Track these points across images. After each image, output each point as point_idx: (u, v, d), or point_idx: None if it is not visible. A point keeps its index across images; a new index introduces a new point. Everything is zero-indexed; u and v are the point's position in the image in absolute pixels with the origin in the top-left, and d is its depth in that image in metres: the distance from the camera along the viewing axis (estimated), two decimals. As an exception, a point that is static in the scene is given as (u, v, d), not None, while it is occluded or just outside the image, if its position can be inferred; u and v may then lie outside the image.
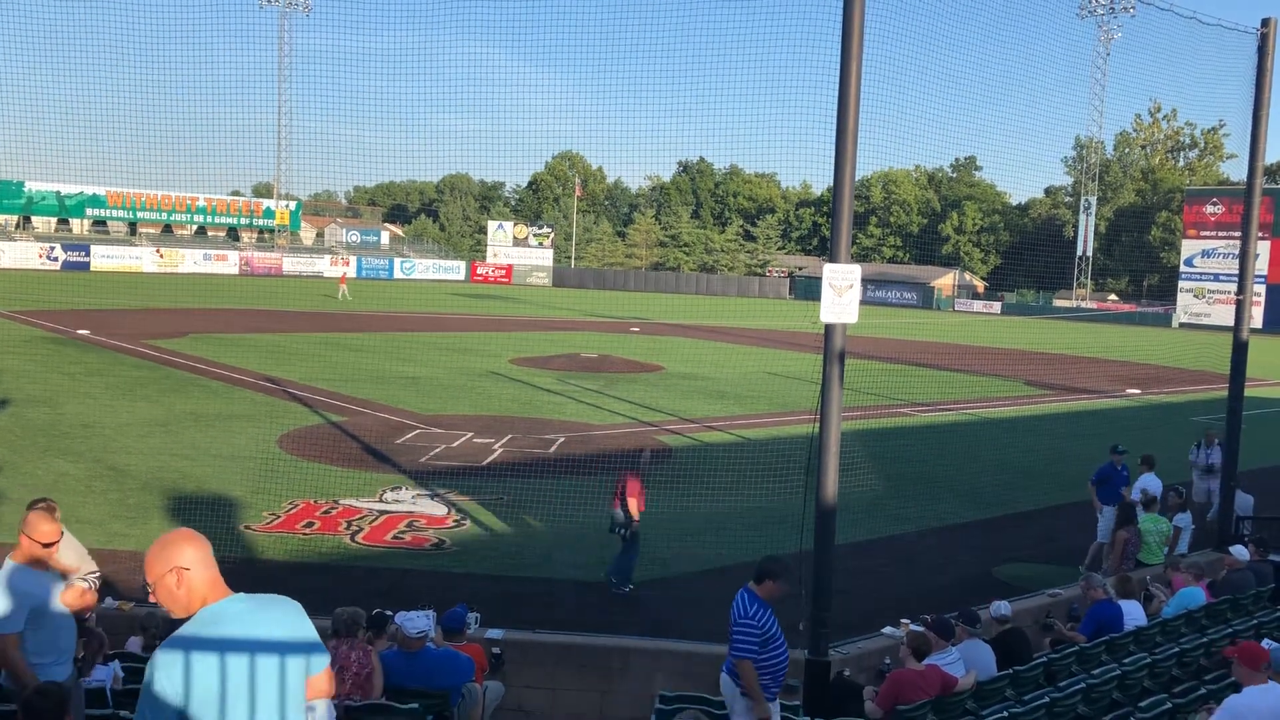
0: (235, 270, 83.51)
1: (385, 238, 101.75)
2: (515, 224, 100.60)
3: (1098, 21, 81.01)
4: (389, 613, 8.38)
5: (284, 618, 3.72)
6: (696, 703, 7.44)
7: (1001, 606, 9.40)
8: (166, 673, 3.43)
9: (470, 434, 20.99)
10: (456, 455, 19.09)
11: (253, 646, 3.54)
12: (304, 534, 13.89)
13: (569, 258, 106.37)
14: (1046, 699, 7.92)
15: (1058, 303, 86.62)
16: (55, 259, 75.80)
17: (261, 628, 3.60)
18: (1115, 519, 13.47)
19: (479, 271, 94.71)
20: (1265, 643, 8.25)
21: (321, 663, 3.86)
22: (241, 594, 3.70)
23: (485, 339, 41.56)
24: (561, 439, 20.97)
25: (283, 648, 3.61)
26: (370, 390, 26.35)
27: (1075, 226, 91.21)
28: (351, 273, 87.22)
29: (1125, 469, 14.81)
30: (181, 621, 3.57)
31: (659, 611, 11.69)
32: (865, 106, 8.78)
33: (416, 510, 15.18)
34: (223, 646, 3.48)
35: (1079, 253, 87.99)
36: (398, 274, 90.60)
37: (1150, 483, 14.40)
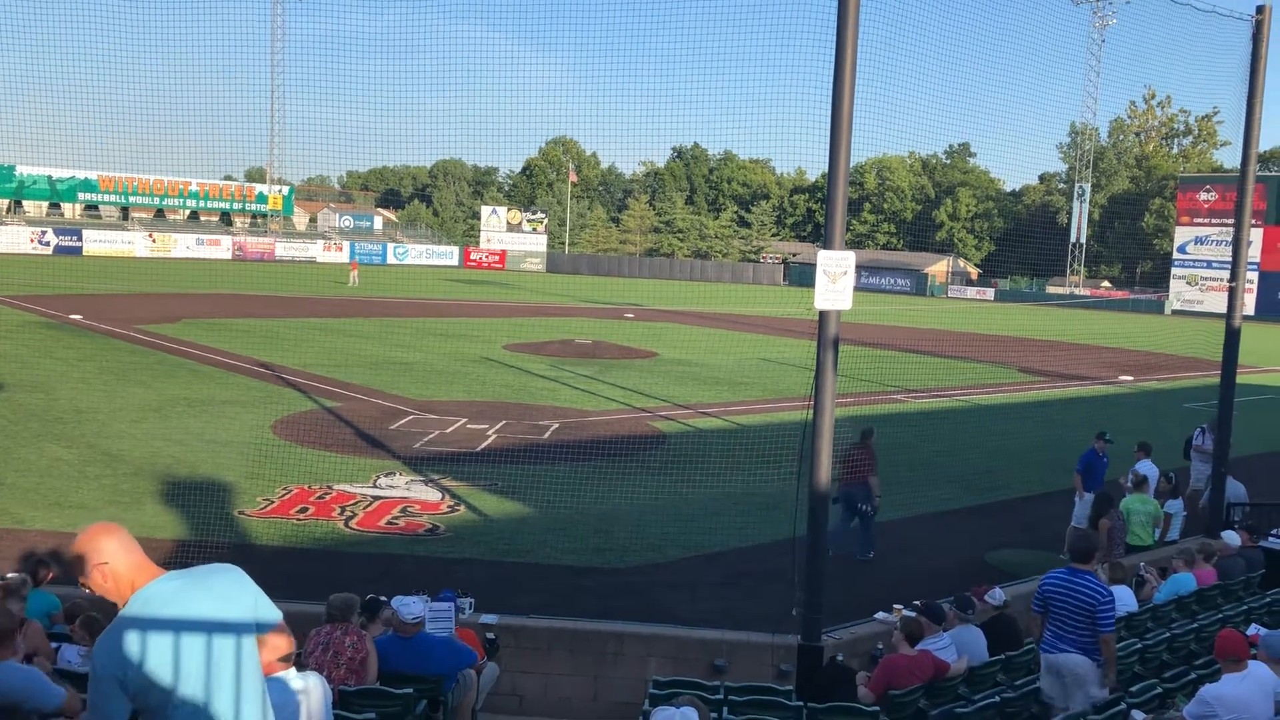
0: (228, 255, 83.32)
1: (378, 223, 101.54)
2: (509, 209, 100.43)
3: (1092, 7, 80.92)
4: (383, 598, 8.41)
5: (221, 587, 3.70)
6: (690, 688, 7.47)
7: (997, 594, 9.44)
8: (102, 660, 3.48)
9: (464, 420, 20.99)
10: (450, 441, 19.10)
11: (181, 624, 3.56)
12: (298, 519, 13.90)
13: (563, 243, 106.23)
14: (1038, 684, 7.98)
15: (1051, 289, 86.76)
16: (47, 243, 75.55)
17: (191, 604, 3.60)
18: (1093, 508, 13.50)
19: (472, 257, 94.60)
20: (1254, 628, 8.32)
21: (270, 620, 3.82)
22: (173, 572, 3.70)
23: (479, 324, 41.53)
24: (555, 425, 20.99)
25: (213, 620, 3.62)
26: (364, 376, 26.32)
27: (1069, 213, 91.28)
28: (345, 257, 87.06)
29: (1106, 457, 14.83)
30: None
31: (652, 596, 11.72)
32: (860, 92, 8.78)
33: (410, 496, 15.19)
34: (151, 627, 3.51)
35: (1072, 239, 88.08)
36: (391, 259, 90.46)
37: (1146, 470, 14.46)
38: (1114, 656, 7.73)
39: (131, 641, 3.48)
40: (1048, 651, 7.84)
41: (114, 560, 3.59)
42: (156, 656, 3.49)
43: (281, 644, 3.90)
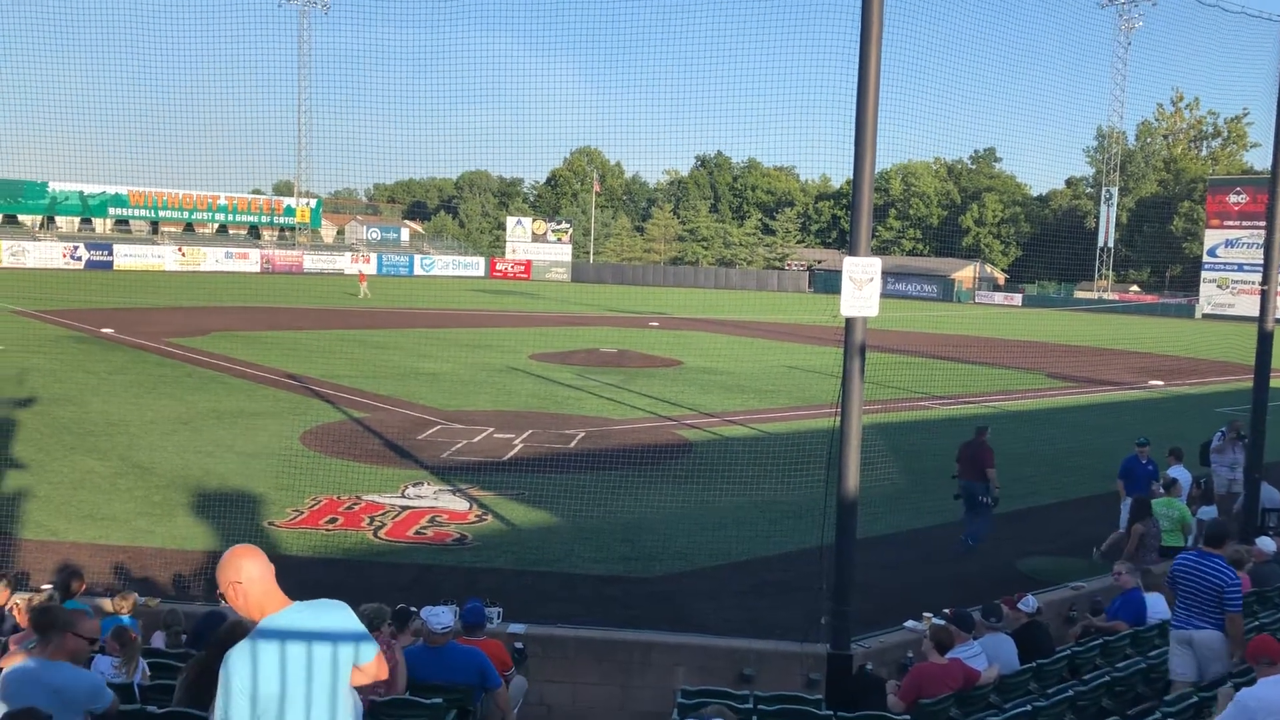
0: (257, 268, 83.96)
1: (405, 234, 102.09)
2: (534, 220, 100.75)
3: (1118, 10, 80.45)
4: (413, 608, 8.44)
5: (332, 621, 4.18)
6: (718, 698, 7.44)
7: (1030, 601, 9.37)
8: (228, 671, 4.00)
9: (491, 429, 21.05)
10: (477, 450, 19.15)
11: (295, 651, 4.06)
12: (327, 530, 13.97)
13: (587, 253, 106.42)
14: (1070, 692, 7.89)
15: (1079, 294, 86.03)
16: (79, 258, 76.41)
17: (307, 636, 4.09)
18: (1131, 512, 13.38)
19: (498, 267, 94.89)
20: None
21: (369, 652, 4.26)
22: (298, 603, 4.18)
23: (505, 335, 41.66)
24: (581, 434, 21.01)
25: (332, 649, 4.12)
26: (391, 386, 26.45)
27: (1097, 217, 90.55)
28: (372, 270, 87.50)
29: (1152, 463, 14.70)
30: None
31: (680, 605, 11.70)
32: (885, 98, 8.75)
33: (438, 505, 15.24)
34: (271, 650, 4.03)
35: (1100, 244, 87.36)
36: (418, 270, 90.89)
37: (1177, 474, 14.32)
38: (1241, 633, 8.20)
39: (251, 659, 4.01)
40: (1180, 628, 8.44)
41: (248, 583, 4.08)
42: (270, 675, 4.00)
43: (372, 671, 4.34)
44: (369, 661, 4.29)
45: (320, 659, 4.09)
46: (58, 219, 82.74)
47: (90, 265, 75.69)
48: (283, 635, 4.05)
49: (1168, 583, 8.79)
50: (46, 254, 75.37)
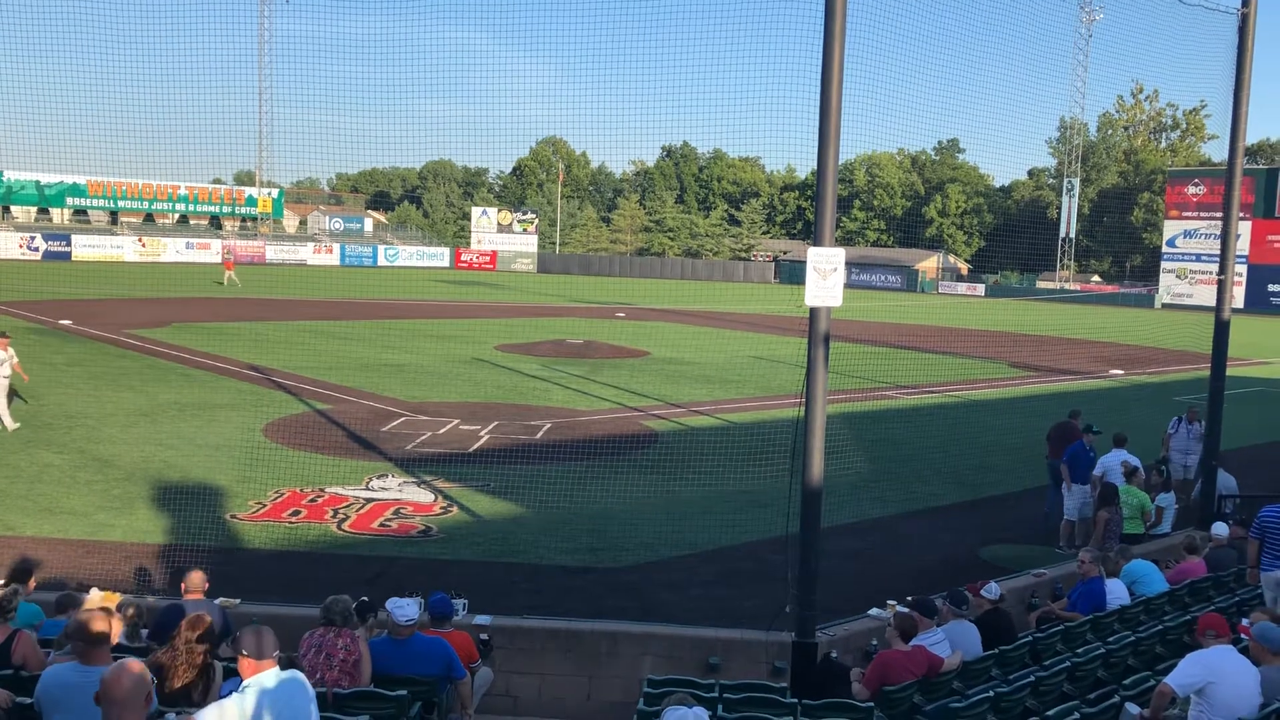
0: (218, 259, 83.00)
1: (369, 225, 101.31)
2: (499, 210, 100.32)
3: (1080, 2, 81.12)
4: (367, 599, 8.40)
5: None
6: (684, 686, 7.46)
7: (993, 588, 9.46)
8: None
9: (456, 421, 20.96)
10: (443, 442, 19.07)
11: None
12: (290, 522, 13.87)
13: (553, 244, 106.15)
14: (1032, 678, 8.00)
15: (1041, 284, 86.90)
16: (36, 249, 75.23)
17: None
18: (1097, 498, 13.54)
19: (463, 258, 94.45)
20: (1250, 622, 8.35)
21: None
22: None
23: (470, 325, 41.48)
24: (548, 425, 20.98)
25: None
26: (355, 378, 26.27)
27: (1058, 208, 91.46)
28: (335, 260, 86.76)
29: (1093, 450, 14.86)
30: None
31: (646, 595, 11.72)
32: (848, 89, 8.79)
33: (403, 498, 15.16)
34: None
35: (1062, 234, 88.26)
36: (381, 261, 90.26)
37: (1113, 459, 14.31)
38: None
39: None
40: (1269, 570, 9.84)
41: None
42: None
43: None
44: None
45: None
46: (13, 209, 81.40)
47: (48, 256, 74.57)
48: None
49: (1253, 532, 10.04)
50: (2, 244, 74.10)
